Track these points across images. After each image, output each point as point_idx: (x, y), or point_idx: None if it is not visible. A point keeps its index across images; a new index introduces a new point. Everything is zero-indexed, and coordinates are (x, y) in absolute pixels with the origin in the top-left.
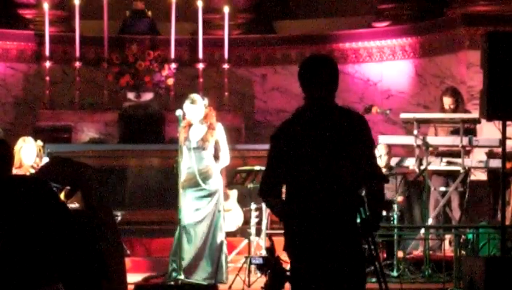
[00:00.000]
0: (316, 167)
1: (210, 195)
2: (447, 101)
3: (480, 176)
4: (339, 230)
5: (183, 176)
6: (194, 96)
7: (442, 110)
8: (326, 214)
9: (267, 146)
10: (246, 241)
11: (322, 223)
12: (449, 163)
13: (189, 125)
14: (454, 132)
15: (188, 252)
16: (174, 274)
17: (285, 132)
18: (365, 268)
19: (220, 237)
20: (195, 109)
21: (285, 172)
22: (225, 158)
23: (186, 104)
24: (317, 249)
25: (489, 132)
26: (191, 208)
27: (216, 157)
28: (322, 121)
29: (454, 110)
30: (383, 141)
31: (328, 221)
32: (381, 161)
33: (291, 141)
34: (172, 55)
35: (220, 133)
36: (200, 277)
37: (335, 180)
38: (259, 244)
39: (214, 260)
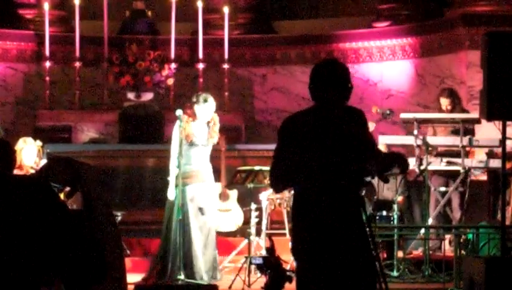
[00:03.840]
0: (320, 167)
1: (210, 191)
2: (444, 102)
3: (480, 176)
4: (346, 230)
5: (180, 173)
6: (207, 95)
7: (440, 111)
8: (333, 214)
9: (267, 146)
10: (246, 241)
11: (330, 224)
12: (449, 163)
13: (188, 122)
14: (454, 132)
15: (191, 249)
16: (174, 274)
17: (291, 127)
18: (375, 267)
19: (214, 234)
20: (210, 108)
21: (293, 165)
22: None
23: (201, 104)
24: (325, 250)
25: (489, 131)
26: (195, 204)
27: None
28: (326, 120)
29: (452, 111)
30: (383, 141)
31: (336, 220)
32: None
33: (297, 137)
34: (172, 55)
35: (217, 138)
36: (200, 274)
37: (338, 178)
38: (259, 244)
39: (213, 256)
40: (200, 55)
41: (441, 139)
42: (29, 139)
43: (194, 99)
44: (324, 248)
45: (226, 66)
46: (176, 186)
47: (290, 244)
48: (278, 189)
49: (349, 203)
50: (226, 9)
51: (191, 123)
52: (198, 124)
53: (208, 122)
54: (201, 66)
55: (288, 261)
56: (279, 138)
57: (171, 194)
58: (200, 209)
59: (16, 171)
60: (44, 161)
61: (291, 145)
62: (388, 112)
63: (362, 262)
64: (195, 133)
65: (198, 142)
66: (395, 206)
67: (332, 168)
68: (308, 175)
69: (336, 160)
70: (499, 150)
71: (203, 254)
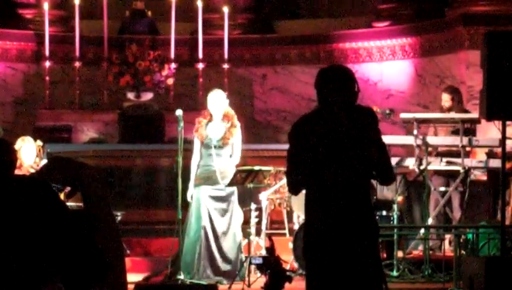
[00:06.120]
0: (328, 168)
1: (229, 194)
2: (444, 98)
3: (480, 176)
4: (356, 229)
5: (197, 174)
6: (216, 89)
7: (441, 107)
8: (343, 214)
9: (267, 146)
10: (245, 241)
11: (340, 223)
12: (449, 163)
13: (205, 123)
14: (454, 132)
15: (205, 251)
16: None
17: (300, 130)
18: (381, 267)
19: (239, 236)
20: (216, 99)
21: (306, 167)
22: (236, 158)
23: (208, 97)
24: (335, 249)
25: (490, 131)
26: (209, 207)
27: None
28: (332, 121)
29: (451, 108)
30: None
31: (345, 219)
32: None
33: (306, 139)
34: (172, 55)
35: (239, 133)
36: (215, 276)
37: (347, 179)
38: (259, 244)
39: (234, 259)
40: (200, 55)
41: (441, 139)
42: (28, 138)
43: (207, 99)
44: (334, 246)
45: (226, 66)
46: (195, 187)
47: (290, 244)
48: (296, 192)
49: (358, 202)
50: (225, 9)
51: (204, 125)
52: (215, 125)
53: (230, 125)
54: (201, 66)
55: (288, 261)
56: (290, 142)
57: (191, 196)
58: (217, 211)
59: (16, 171)
60: (44, 161)
61: (302, 148)
62: (388, 111)
63: (370, 261)
64: (209, 134)
65: (211, 143)
66: (395, 206)
67: (339, 170)
68: (317, 176)
69: (343, 161)
70: (499, 150)
71: (218, 255)
